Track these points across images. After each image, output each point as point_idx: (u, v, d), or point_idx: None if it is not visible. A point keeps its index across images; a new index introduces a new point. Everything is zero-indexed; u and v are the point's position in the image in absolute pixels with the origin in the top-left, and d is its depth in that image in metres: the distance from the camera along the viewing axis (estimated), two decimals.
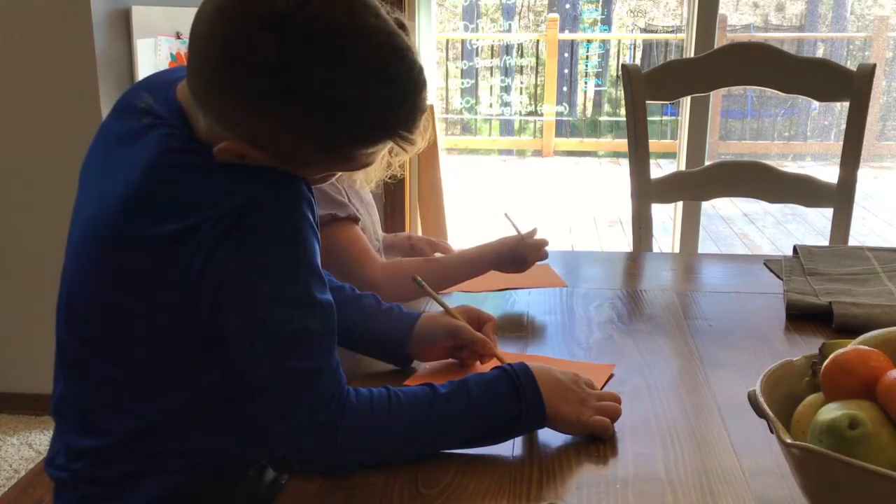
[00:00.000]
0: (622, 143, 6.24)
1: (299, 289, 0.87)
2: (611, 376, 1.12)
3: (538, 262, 1.42)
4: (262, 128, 0.84)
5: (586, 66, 8.45)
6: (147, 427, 0.94)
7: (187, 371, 0.93)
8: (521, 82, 8.18)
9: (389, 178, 1.47)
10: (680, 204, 2.83)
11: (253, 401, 0.90)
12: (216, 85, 0.83)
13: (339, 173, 1.00)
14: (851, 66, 1.94)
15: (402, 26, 0.87)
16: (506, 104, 8.15)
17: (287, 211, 0.86)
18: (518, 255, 1.40)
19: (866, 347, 0.78)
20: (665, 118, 7.63)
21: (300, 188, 0.88)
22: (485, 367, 1.11)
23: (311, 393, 0.87)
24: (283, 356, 0.87)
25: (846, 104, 1.89)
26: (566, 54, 8.29)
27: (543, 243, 1.42)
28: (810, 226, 5.45)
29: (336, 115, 0.83)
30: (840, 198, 1.91)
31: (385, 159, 1.45)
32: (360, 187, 1.54)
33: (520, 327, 1.31)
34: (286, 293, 0.86)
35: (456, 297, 1.39)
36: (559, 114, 8.00)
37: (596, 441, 0.95)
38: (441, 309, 1.17)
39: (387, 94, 0.84)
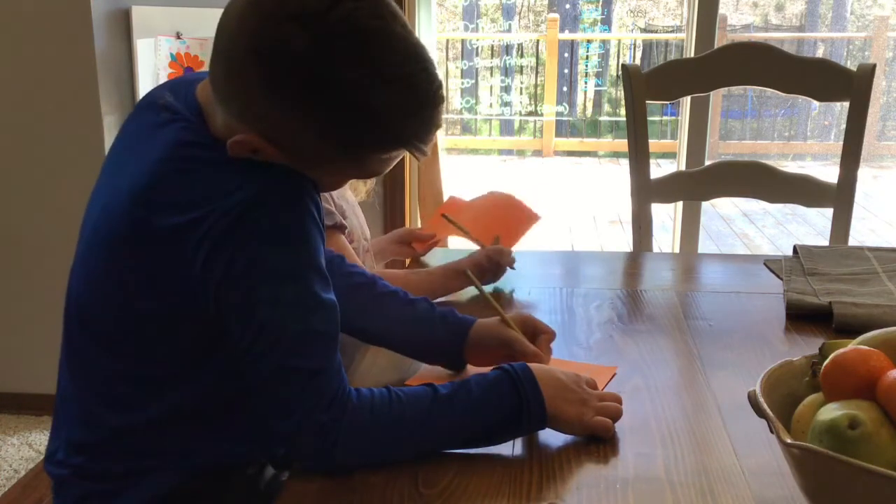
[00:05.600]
0: (622, 143, 6.24)
1: (303, 288, 0.87)
2: (612, 377, 1.12)
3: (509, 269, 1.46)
4: (281, 123, 0.85)
5: (586, 66, 8.45)
6: (149, 422, 0.94)
7: (191, 368, 0.93)
8: (521, 82, 8.18)
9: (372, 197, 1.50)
10: (680, 204, 2.83)
11: (254, 399, 0.90)
12: (241, 77, 0.84)
13: (350, 180, 1.01)
14: (851, 66, 1.94)
15: None
16: (506, 104, 8.15)
17: (293, 208, 0.86)
18: (493, 262, 1.43)
19: (866, 347, 0.78)
20: (665, 118, 7.63)
21: (307, 187, 0.88)
22: None
23: (312, 392, 0.87)
24: (286, 355, 0.87)
25: (846, 104, 1.89)
26: (566, 54, 8.29)
27: (508, 250, 1.47)
28: (810, 226, 5.45)
29: (356, 116, 0.84)
30: (840, 198, 1.91)
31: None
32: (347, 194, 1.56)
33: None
34: (290, 292, 0.86)
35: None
36: (559, 114, 8.01)
37: (596, 441, 0.95)
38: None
39: (407, 101, 0.86)
